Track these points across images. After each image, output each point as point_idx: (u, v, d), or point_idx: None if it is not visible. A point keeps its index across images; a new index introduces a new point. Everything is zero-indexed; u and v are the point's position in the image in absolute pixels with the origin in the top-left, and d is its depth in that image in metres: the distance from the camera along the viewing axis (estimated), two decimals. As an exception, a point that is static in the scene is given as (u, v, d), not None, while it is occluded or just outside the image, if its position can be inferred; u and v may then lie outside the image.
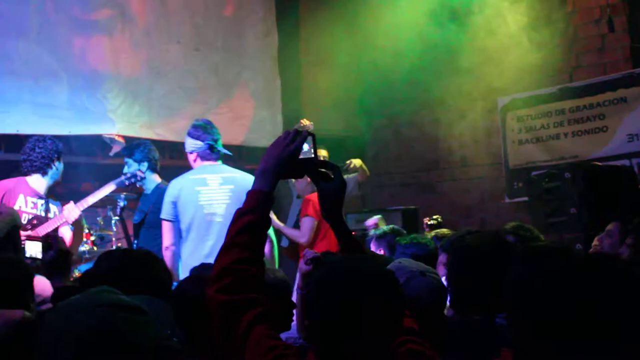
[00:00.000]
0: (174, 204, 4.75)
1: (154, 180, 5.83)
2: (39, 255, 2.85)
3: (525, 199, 7.47)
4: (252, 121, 8.41)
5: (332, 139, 8.20)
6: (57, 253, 2.64)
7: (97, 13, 7.32)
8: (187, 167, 5.89)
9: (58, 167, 5.35)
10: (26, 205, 5.10)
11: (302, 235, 6.21)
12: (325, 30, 8.42)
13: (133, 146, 5.85)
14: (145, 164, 5.77)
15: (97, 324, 1.62)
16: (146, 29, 7.68)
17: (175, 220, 4.76)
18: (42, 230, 4.95)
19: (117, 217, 6.20)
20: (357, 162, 6.90)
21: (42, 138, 5.33)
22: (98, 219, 6.56)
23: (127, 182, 5.52)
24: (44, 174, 5.26)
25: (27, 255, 3.15)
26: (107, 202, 6.42)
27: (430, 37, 8.07)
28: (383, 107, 9.01)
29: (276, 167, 2.06)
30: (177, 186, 4.80)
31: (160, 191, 5.82)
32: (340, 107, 8.27)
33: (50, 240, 2.64)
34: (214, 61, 8.21)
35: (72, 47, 7.11)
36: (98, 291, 1.72)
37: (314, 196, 6.34)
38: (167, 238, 4.74)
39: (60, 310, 1.68)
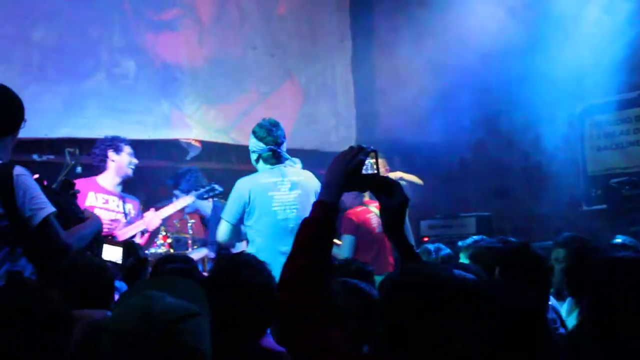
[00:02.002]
0: (241, 210, 4.69)
1: (208, 206, 5.80)
2: (119, 261, 2.92)
3: (604, 207, 7.30)
4: (326, 126, 8.46)
5: (404, 144, 8.17)
6: (137, 261, 2.70)
7: (175, 20, 7.48)
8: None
9: (118, 160, 5.30)
10: (96, 200, 5.20)
11: (341, 254, 6.10)
12: (399, 35, 8.39)
13: (178, 176, 5.78)
14: (194, 193, 5.70)
15: (164, 347, 1.58)
16: (222, 35, 7.81)
17: (236, 224, 4.72)
18: (122, 234, 5.06)
19: (193, 221, 6.26)
20: (396, 174, 6.80)
21: (102, 138, 5.36)
22: (175, 221, 6.66)
23: (205, 196, 5.53)
24: (104, 170, 5.30)
25: (104, 259, 3.23)
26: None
27: (508, 41, 7.95)
28: (457, 111, 8.91)
29: (340, 180, 2.13)
30: (245, 189, 4.70)
31: (218, 213, 5.79)
32: (413, 112, 8.22)
33: (131, 247, 2.69)
34: (289, 67, 8.29)
35: (151, 54, 7.29)
36: (147, 303, 1.64)
37: (353, 212, 6.27)
38: (225, 237, 4.74)
39: (116, 334, 1.61)
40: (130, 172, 5.40)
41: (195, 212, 5.83)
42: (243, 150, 7.91)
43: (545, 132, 8.13)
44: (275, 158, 4.78)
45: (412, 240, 7.19)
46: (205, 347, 1.64)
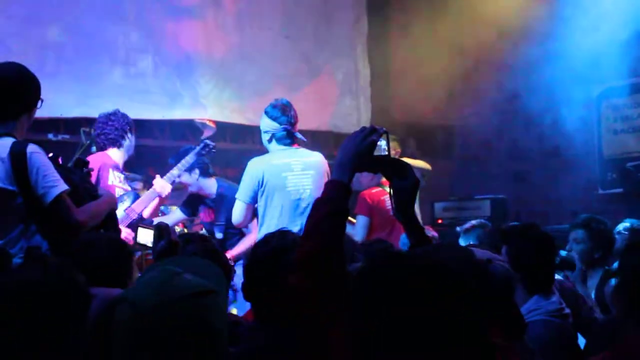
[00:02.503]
0: (256, 189, 4.68)
1: (212, 184, 5.73)
2: (149, 244, 2.92)
3: (620, 190, 7.26)
4: (341, 108, 8.44)
5: (420, 127, 8.15)
6: (168, 243, 2.68)
7: (192, 3, 7.47)
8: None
9: (131, 139, 5.22)
10: (115, 179, 5.09)
11: (355, 234, 6.08)
12: (415, 15, 8.35)
13: (180, 154, 5.65)
14: (197, 171, 5.63)
15: (180, 320, 1.58)
16: (238, 15, 7.79)
17: (252, 204, 4.72)
18: (138, 206, 5.06)
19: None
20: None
21: (113, 112, 5.20)
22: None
23: (203, 152, 5.46)
24: (120, 146, 5.15)
25: (138, 241, 3.25)
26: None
27: (525, 22, 7.89)
28: (473, 94, 8.87)
29: (353, 160, 2.11)
30: (259, 169, 4.69)
31: (225, 193, 5.69)
32: (429, 95, 8.19)
33: (162, 230, 2.68)
34: (304, 48, 8.26)
35: (165, 32, 7.29)
36: (165, 277, 1.66)
37: (368, 193, 6.26)
38: (242, 219, 4.74)
39: (133, 306, 1.62)
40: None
41: (198, 191, 5.76)
42: (258, 131, 7.93)
43: (562, 115, 8.09)
44: (289, 138, 4.77)
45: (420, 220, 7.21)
46: (221, 325, 1.65)
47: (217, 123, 7.47)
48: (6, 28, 6.42)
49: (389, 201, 6.32)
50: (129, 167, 6.48)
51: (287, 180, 4.69)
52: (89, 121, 6.34)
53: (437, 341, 1.46)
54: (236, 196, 4.78)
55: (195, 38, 7.44)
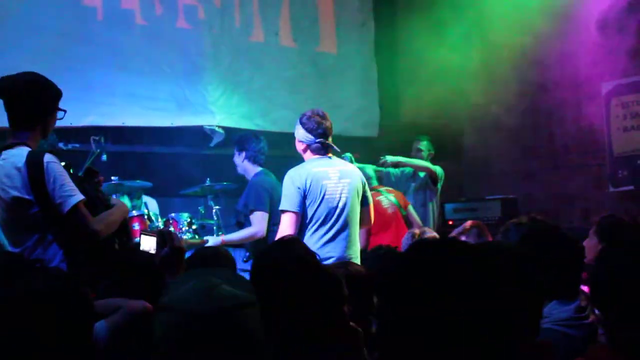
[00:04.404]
0: (302, 197, 4.65)
1: (252, 170, 5.87)
2: (153, 251, 2.92)
3: (631, 188, 7.24)
4: (350, 110, 8.42)
5: (429, 127, 8.14)
6: (172, 250, 2.66)
7: (197, 5, 7.47)
8: (285, 157, 5.90)
9: None
10: None
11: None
12: (422, 18, 8.33)
13: (241, 136, 5.96)
14: (243, 154, 5.82)
15: (225, 330, 1.59)
16: (245, 20, 7.79)
17: (301, 212, 4.65)
18: None
19: (218, 207, 6.26)
20: (395, 158, 6.95)
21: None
22: (199, 207, 6.67)
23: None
24: None
25: (141, 249, 3.25)
26: (207, 191, 6.52)
27: (533, 22, 7.88)
28: (482, 93, 8.86)
29: None
30: (303, 176, 4.67)
31: (251, 184, 5.80)
32: (438, 95, 8.17)
33: (165, 236, 2.66)
34: (311, 51, 8.27)
35: (173, 40, 7.28)
36: (208, 287, 1.65)
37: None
38: (289, 230, 4.56)
39: (179, 314, 1.61)
40: None
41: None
42: (267, 136, 7.92)
43: (571, 112, 8.07)
44: (324, 149, 4.79)
45: (431, 224, 7.17)
46: (261, 335, 1.66)
47: (226, 129, 7.47)
48: (14, 37, 6.44)
49: (385, 201, 6.41)
50: (139, 175, 6.52)
51: (326, 188, 4.68)
52: (98, 130, 6.37)
53: (440, 340, 1.45)
54: (282, 207, 4.68)
55: (202, 44, 7.43)
